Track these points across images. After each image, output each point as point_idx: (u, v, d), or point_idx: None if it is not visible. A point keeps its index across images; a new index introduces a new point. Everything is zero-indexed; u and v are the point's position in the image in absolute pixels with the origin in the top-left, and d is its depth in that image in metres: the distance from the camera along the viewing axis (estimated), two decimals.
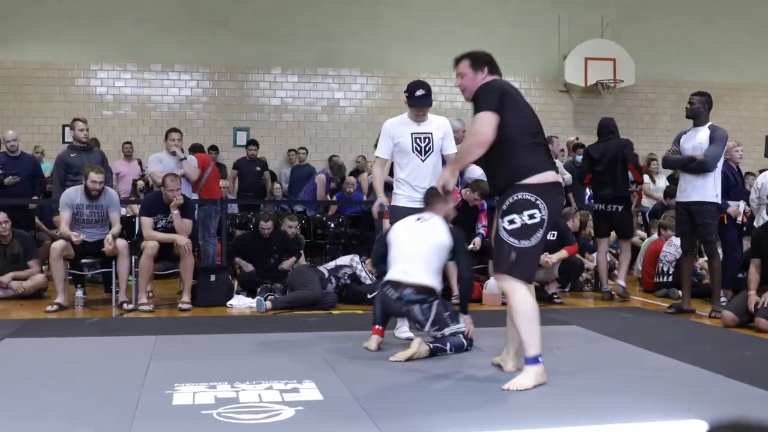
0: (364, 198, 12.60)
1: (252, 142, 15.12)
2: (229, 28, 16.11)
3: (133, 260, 8.70)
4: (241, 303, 8.83)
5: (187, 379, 4.98)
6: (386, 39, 16.53)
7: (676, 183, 10.18)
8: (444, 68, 16.66)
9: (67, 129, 14.12)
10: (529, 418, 4.26)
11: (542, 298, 9.26)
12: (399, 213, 6.58)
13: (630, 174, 9.62)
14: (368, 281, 8.99)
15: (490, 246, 9.21)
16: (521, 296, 4.88)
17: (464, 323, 6.03)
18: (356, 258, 9.30)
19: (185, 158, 9.90)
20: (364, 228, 11.93)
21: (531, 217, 4.81)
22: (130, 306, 8.47)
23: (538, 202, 4.84)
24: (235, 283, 9.45)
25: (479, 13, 17.06)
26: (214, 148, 15.23)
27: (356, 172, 14.44)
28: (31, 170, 10.60)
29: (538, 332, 4.87)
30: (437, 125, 6.79)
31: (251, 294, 9.10)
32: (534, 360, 4.86)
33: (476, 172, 9.35)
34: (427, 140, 6.66)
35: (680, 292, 8.89)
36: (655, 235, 10.93)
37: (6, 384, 5.04)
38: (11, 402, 4.57)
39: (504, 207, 4.88)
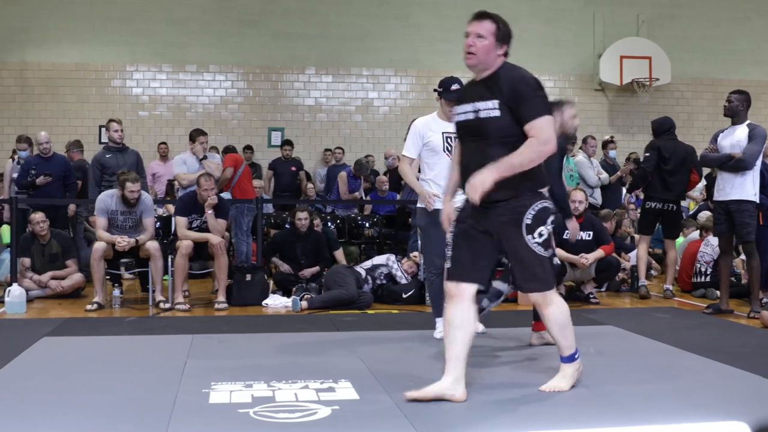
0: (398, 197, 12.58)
1: (287, 142, 15.17)
2: (263, 28, 16.17)
3: (169, 260, 8.76)
4: (276, 302, 8.86)
5: (223, 378, 5.00)
6: (419, 38, 16.52)
7: (712, 182, 10.10)
8: None
9: (103, 130, 14.25)
10: (565, 419, 4.23)
11: (578, 298, 9.23)
12: (425, 213, 6.46)
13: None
14: (404, 281, 8.99)
15: None
16: (558, 305, 4.67)
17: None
18: (392, 257, 9.30)
19: (205, 158, 9.93)
20: (399, 228, 11.91)
21: (552, 224, 4.60)
22: (167, 305, 8.53)
23: (551, 207, 4.63)
24: (271, 283, 9.48)
25: (513, 11, 16.92)
26: (249, 148, 15.30)
27: (391, 172, 14.40)
28: (62, 171, 10.68)
29: (572, 332, 4.76)
30: None
31: (287, 293, 9.13)
32: (571, 358, 4.79)
33: None
34: None
35: (718, 293, 8.80)
36: (692, 235, 10.83)
37: (45, 382, 5.09)
38: (50, 399, 4.61)
39: (528, 220, 4.48)
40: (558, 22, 17.07)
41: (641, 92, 17.04)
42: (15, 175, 10.99)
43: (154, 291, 8.74)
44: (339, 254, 10.50)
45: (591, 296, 9.18)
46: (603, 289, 10.01)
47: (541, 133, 4.36)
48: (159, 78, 16.25)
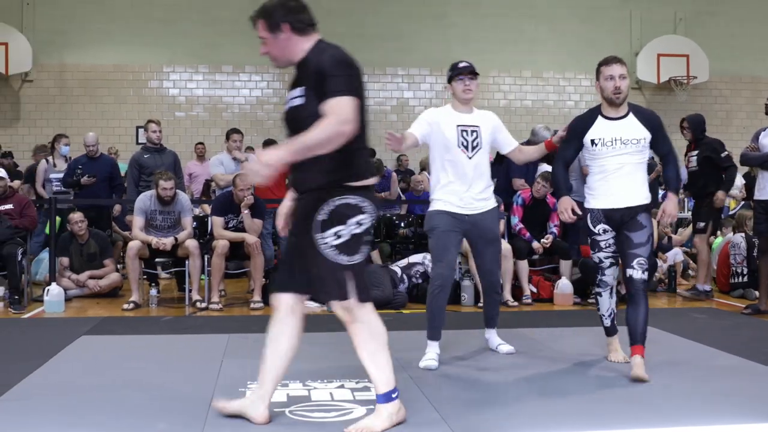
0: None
1: None
2: None
3: (206, 259, 8.81)
4: (312, 302, 8.85)
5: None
6: (455, 38, 16.49)
7: (752, 181, 9.99)
8: (513, 66, 16.76)
9: (140, 130, 14.38)
10: (603, 421, 4.19)
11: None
12: (439, 219, 5.73)
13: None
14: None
15: (561, 245, 9.17)
16: (368, 325, 4.03)
17: None
18: (428, 256, 9.26)
19: (246, 159, 9.97)
20: None
21: (362, 227, 3.92)
22: (203, 304, 8.58)
23: (365, 206, 3.93)
24: None
25: (548, 10, 16.93)
26: None
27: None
28: (108, 172, 10.79)
29: (389, 362, 4.04)
30: (484, 117, 5.87)
31: None
32: (387, 397, 4.02)
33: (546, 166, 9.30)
34: (474, 134, 5.74)
35: (757, 293, 8.71)
36: (730, 235, 10.72)
37: (83, 380, 5.14)
38: (88, 397, 4.66)
39: (322, 216, 3.85)
40: (594, 21, 16.97)
41: (679, 90, 16.90)
42: (52, 176, 11.11)
43: (190, 290, 8.79)
44: (374, 254, 10.49)
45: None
46: None
47: (340, 111, 3.70)
48: (195, 79, 16.37)
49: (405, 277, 9.00)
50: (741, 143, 9.46)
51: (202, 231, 10.44)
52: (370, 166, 4.08)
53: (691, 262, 11.28)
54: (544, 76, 17.06)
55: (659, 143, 5.36)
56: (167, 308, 8.72)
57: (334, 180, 3.87)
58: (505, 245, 8.64)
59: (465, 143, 5.70)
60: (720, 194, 9.28)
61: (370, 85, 16.52)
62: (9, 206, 8.86)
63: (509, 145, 5.97)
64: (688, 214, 12.64)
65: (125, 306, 8.52)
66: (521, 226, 9.13)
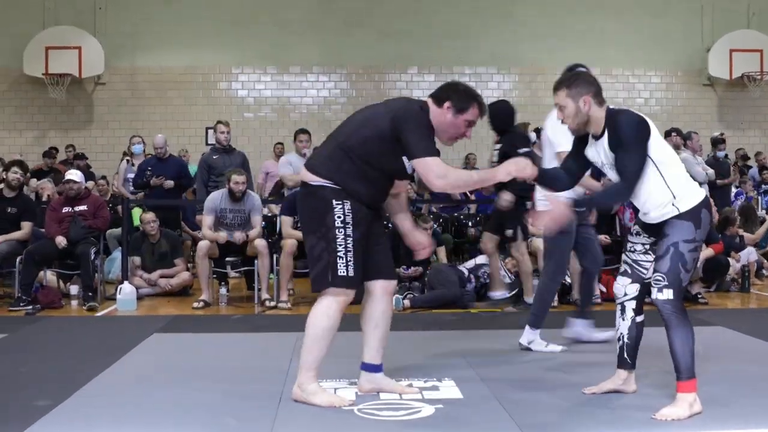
0: None
1: None
2: (365, 28, 16.26)
3: (274, 258, 8.88)
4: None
5: (328, 376, 5.03)
6: (522, 35, 16.39)
7: None
8: (584, 63, 16.50)
9: (210, 131, 14.56)
10: (671, 423, 4.12)
11: (686, 298, 9.00)
12: None
13: None
14: (507, 280, 8.91)
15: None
16: (323, 309, 4.54)
17: None
18: None
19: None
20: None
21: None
22: (272, 303, 8.65)
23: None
24: None
25: (618, 5, 16.72)
26: None
27: None
28: (177, 173, 10.93)
29: (320, 352, 4.49)
30: None
31: None
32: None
33: None
34: None
35: None
36: None
37: (155, 376, 5.22)
38: (161, 394, 4.73)
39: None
40: (665, 16, 16.72)
41: (752, 87, 16.57)
42: (130, 176, 11.33)
43: (259, 289, 8.87)
44: (441, 252, 10.45)
45: (699, 296, 8.95)
46: (712, 290, 9.75)
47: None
48: (264, 80, 16.53)
49: (472, 277, 8.98)
50: None
51: (270, 231, 10.54)
52: None
53: (765, 261, 11.06)
54: (613, 73, 16.83)
55: (617, 161, 4.29)
56: (236, 307, 8.81)
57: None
58: None
59: None
60: (504, 195, 7.87)
61: (436, 84, 16.35)
62: (83, 207, 9.03)
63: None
64: (762, 213, 12.41)
65: (195, 304, 8.63)
66: None
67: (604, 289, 8.99)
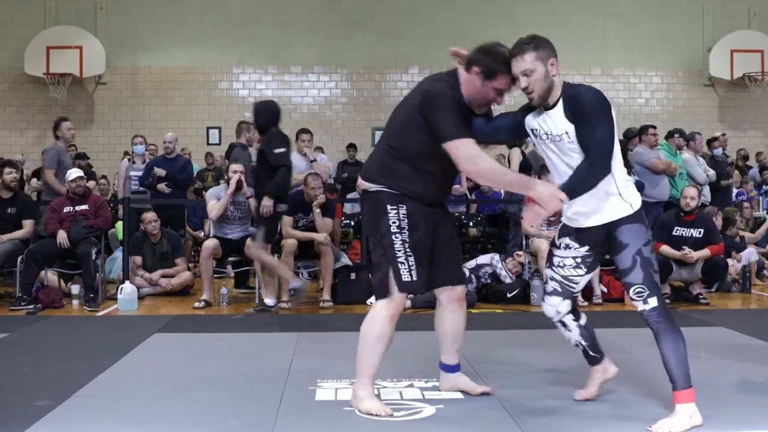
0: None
1: None
2: (366, 28, 16.28)
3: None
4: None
5: (329, 376, 5.05)
6: (522, 35, 16.30)
7: None
8: (585, 64, 16.57)
9: (211, 131, 14.60)
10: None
11: (687, 299, 9.01)
12: None
13: None
14: (508, 280, 8.92)
15: None
16: (371, 317, 4.45)
17: None
18: (496, 257, 9.24)
19: (315, 159, 10.03)
20: (503, 227, 11.81)
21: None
22: (273, 303, 8.64)
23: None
24: None
25: (618, 5, 16.73)
26: (352, 147, 15.37)
27: None
28: (182, 171, 10.96)
29: (375, 358, 4.41)
30: None
31: None
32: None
33: None
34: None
35: None
36: None
37: (155, 377, 5.22)
38: (161, 394, 4.73)
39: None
40: (666, 16, 16.73)
41: (753, 87, 16.57)
42: (132, 174, 11.33)
43: (260, 289, 8.87)
44: None
45: (700, 297, 8.95)
46: (713, 290, 9.75)
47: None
48: (265, 80, 16.54)
49: (473, 277, 8.98)
50: None
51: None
52: None
53: (766, 261, 11.06)
54: (614, 73, 16.86)
55: (580, 135, 3.98)
56: (238, 307, 8.80)
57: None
58: None
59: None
60: (265, 200, 7.90)
61: None
62: (84, 206, 9.03)
63: None
64: (763, 213, 12.41)
65: (196, 304, 8.63)
66: None
67: (605, 289, 9.01)
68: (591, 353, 4.51)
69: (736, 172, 13.75)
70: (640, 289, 4.03)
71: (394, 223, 4.19)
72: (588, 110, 3.91)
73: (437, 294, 4.63)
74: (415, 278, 4.27)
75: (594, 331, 4.49)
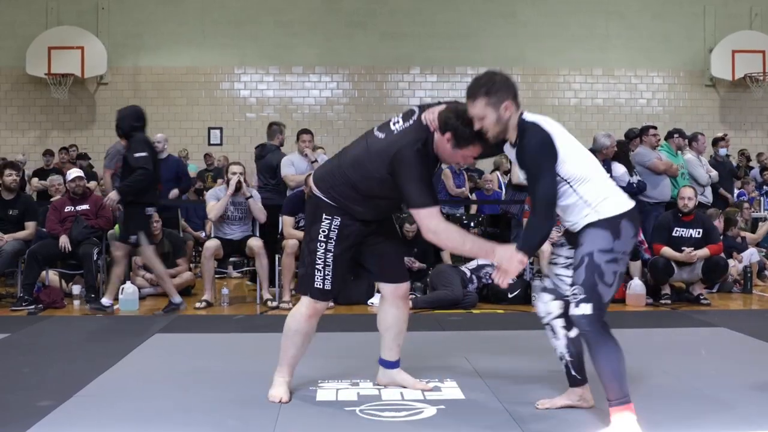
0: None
1: None
2: (368, 29, 16.29)
3: (277, 259, 8.88)
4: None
5: (330, 376, 5.05)
6: (525, 36, 16.39)
7: None
8: (584, 64, 16.59)
9: (212, 131, 14.59)
10: (678, 424, 4.14)
11: (688, 299, 9.01)
12: None
13: None
14: (510, 280, 8.90)
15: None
16: (294, 315, 4.72)
17: None
18: None
19: (316, 160, 10.02)
20: (505, 228, 11.80)
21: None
22: (274, 303, 8.65)
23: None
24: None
25: (620, 5, 16.73)
26: None
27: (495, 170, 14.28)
28: (174, 172, 10.91)
29: (295, 353, 4.72)
30: None
31: None
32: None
33: (619, 171, 9.22)
34: None
35: None
36: None
37: (156, 377, 5.22)
38: (162, 394, 4.73)
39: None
40: (667, 17, 16.72)
41: (755, 87, 16.57)
42: None
43: (261, 289, 8.87)
44: (445, 253, 10.46)
45: (701, 297, 8.95)
46: (714, 291, 9.74)
47: None
48: (266, 80, 16.55)
49: (474, 277, 8.98)
50: None
51: (272, 231, 10.53)
52: None
53: (767, 261, 11.05)
54: (616, 73, 16.85)
55: (528, 184, 4.01)
56: (239, 307, 8.81)
57: None
58: None
59: None
60: (112, 194, 8.06)
61: (439, 84, 16.52)
62: (86, 207, 9.03)
63: None
64: (765, 213, 12.40)
65: (198, 305, 8.63)
66: None
67: None
68: (573, 372, 4.34)
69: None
70: (576, 290, 3.89)
71: (323, 232, 4.40)
72: (528, 162, 3.94)
73: (382, 290, 4.82)
74: (326, 287, 4.47)
75: (583, 352, 4.26)
